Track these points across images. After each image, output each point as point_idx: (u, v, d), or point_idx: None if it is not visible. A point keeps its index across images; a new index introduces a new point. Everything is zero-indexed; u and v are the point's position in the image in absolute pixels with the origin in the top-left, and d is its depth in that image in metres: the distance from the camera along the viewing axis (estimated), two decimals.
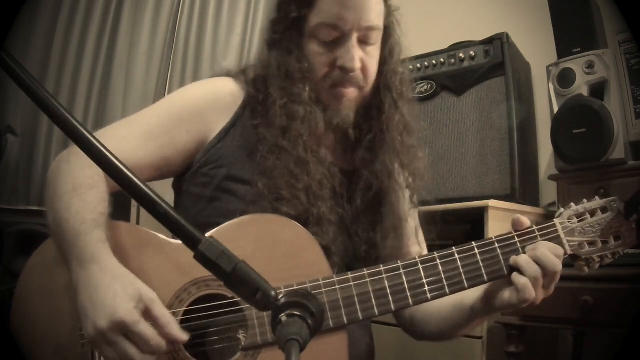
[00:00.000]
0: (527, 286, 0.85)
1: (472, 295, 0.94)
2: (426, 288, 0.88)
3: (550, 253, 0.86)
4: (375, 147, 1.06)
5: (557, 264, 0.86)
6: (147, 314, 0.79)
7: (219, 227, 0.91)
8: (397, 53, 1.08)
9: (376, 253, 1.04)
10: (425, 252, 1.17)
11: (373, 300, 0.87)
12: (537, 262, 0.86)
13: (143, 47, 2.67)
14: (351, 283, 0.88)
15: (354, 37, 0.98)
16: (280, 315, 0.54)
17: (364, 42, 0.99)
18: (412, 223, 1.14)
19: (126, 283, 0.80)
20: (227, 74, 1.11)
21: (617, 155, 1.72)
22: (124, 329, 0.77)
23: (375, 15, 0.99)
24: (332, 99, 1.02)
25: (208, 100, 1.05)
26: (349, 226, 1.04)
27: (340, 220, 1.02)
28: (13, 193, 2.32)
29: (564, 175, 1.88)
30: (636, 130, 1.75)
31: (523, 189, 1.84)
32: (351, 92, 1.02)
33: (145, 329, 0.77)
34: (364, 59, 1.00)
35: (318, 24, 0.98)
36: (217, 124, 1.03)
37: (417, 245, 1.14)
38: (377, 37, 1.02)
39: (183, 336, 0.81)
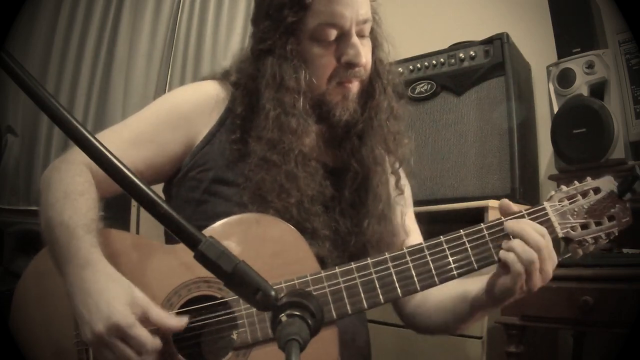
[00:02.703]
0: (514, 260, 0.84)
1: (475, 287, 0.94)
2: (415, 279, 0.87)
3: (528, 226, 0.86)
4: (363, 133, 1.06)
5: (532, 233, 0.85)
6: (143, 316, 0.80)
7: (207, 229, 0.91)
8: (382, 41, 1.09)
9: (363, 238, 1.04)
10: (415, 238, 1.16)
11: (362, 294, 0.87)
12: (515, 234, 0.86)
13: (143, 47, 2.67)
14: (339, 278, 0.87)
15: (354, 31, 0.98)
16: (280, 315, 0.55)
17: (360, 35, 1.00)
18: (399, 209, 1.14)
19: (120, 287, 0.81)
20: (212, 77, 1.11)
21: (617, 155, 1.72)
22: (119, 333, 0.78)
23: (366, 8, 1.00)
24: (339, 97, 1.02)
25: (194, 104, 1.05)
26: (343, 234, 1.03)
27: (335, 234, 1.02)
28: (13, 193, 2.32)
29: (564, 175, 1.88)
30: (636, 130, 1.75)
31: (523, 189, 1.84)
32: (355, 86, 1.02)
33: (141, 331, 0.78)
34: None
35: (317, 26, 0.97)
36: (204, 127, 1.04)
37: (403, 231, 1.14)
38: (369, 29, 1.03)
39: (182, 322, 0.83)
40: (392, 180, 1.13)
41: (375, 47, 1.07)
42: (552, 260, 0.87)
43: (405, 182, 1.16)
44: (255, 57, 1.04)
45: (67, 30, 2.49)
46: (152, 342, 0.79)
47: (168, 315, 0.83)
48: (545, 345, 1.91)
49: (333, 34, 0.98)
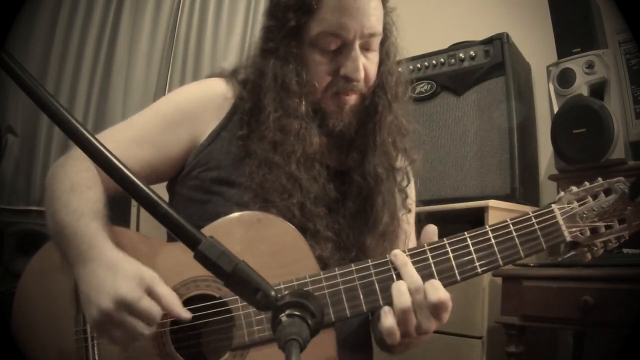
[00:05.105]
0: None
1: None
2: None
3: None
4: (366, 148, 1.04)
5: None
6: (150, 293, 0.80)
7: (206, 227, 0.91)
8: (394, 54, 1.06)
9: (364, 255, 1.01)
10: None
11: (361, 297, 0.85)
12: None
13: (143, 47, 2.67)
14: (338, 279, 0.86)
15: (357, 44, 0.96)
16: (280, 315, 0.54)
17: (365, 48, 0.98)
18: (405, 227, 1.10)
19: (125, 264, 0.81)
20: (220, 75, 1.10)
21: (617, 155, 1.72)
22: (127, 307, 0.77)
23: (375, 21, 0.97)
24: (334, 107, 1.00)
25: (199, 102, 1.04)
26: (345, 238, 1.02)
27: (337, 235, 1.00)
28: (13, 193, 2.32)
29: (564, 175, 1.88)
30: (636, 130, 1.75)
31: (523, 189, 1.84)
32: (353, 99, 1.00)
33: (149, 304, 0.78)
34: (365, 66, 0.98)
35: (319, 33, 0.95)
36: (209, 126, 1.03)
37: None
38: (377, 43, 1.00)
39: (186, 314, 0.82)
40: (399, 198, 1.09)
41: (386, 60, 1.04)
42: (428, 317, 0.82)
43: (412, 200, 1.13)
44: (262, 56, 1.03)
45: (67, 30, 2.49)
46: (160, 312, 0.79)
47: (175, 297, 0.82)
48: (545, 345, 1.91)
49: (334, 43, 0.96)
